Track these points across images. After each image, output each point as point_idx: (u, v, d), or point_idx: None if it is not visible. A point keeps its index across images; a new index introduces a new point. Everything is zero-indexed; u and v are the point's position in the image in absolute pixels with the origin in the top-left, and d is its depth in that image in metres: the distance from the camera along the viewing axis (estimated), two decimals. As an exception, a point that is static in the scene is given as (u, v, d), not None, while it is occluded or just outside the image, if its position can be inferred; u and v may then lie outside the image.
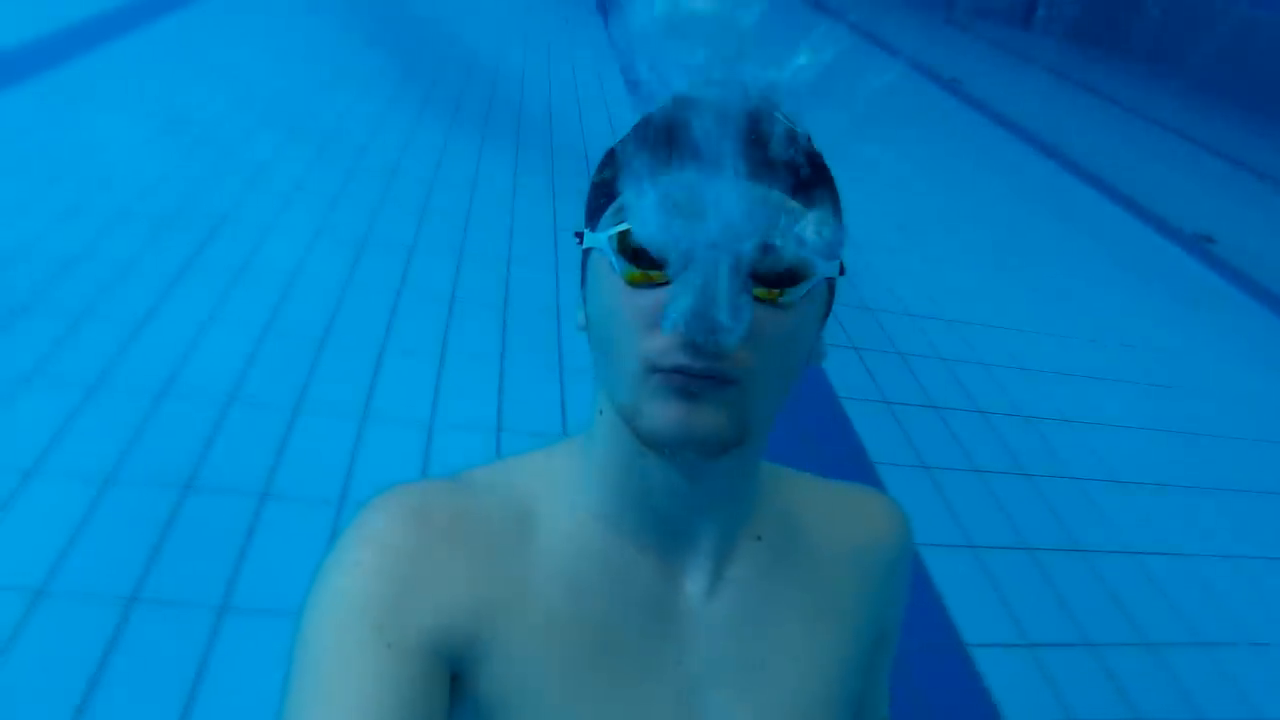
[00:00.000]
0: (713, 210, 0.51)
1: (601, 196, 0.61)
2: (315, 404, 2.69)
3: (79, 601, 1.93)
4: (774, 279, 0.55)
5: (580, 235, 0.63)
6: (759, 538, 0.69)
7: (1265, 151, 10.67)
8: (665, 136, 0.54)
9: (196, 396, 2.61)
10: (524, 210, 4.39)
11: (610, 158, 0.61)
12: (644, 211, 0.54)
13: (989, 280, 4.89)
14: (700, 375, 0.53)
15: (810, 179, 0.57)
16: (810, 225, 0.56)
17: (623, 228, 0.56)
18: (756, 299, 0.54)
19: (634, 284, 0.56)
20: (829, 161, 0.61)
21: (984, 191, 6.51)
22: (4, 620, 1.85)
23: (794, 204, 0.55)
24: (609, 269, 0.58)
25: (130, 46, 5.55)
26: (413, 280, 3.53)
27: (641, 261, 0.56)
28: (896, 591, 0.78)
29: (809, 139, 0.59)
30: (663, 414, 0.54)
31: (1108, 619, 2.59)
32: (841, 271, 0.62)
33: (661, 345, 0.54)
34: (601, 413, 0.64)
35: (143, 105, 4.65)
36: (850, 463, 2.96)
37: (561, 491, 0.67)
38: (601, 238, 0.59)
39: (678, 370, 0.53)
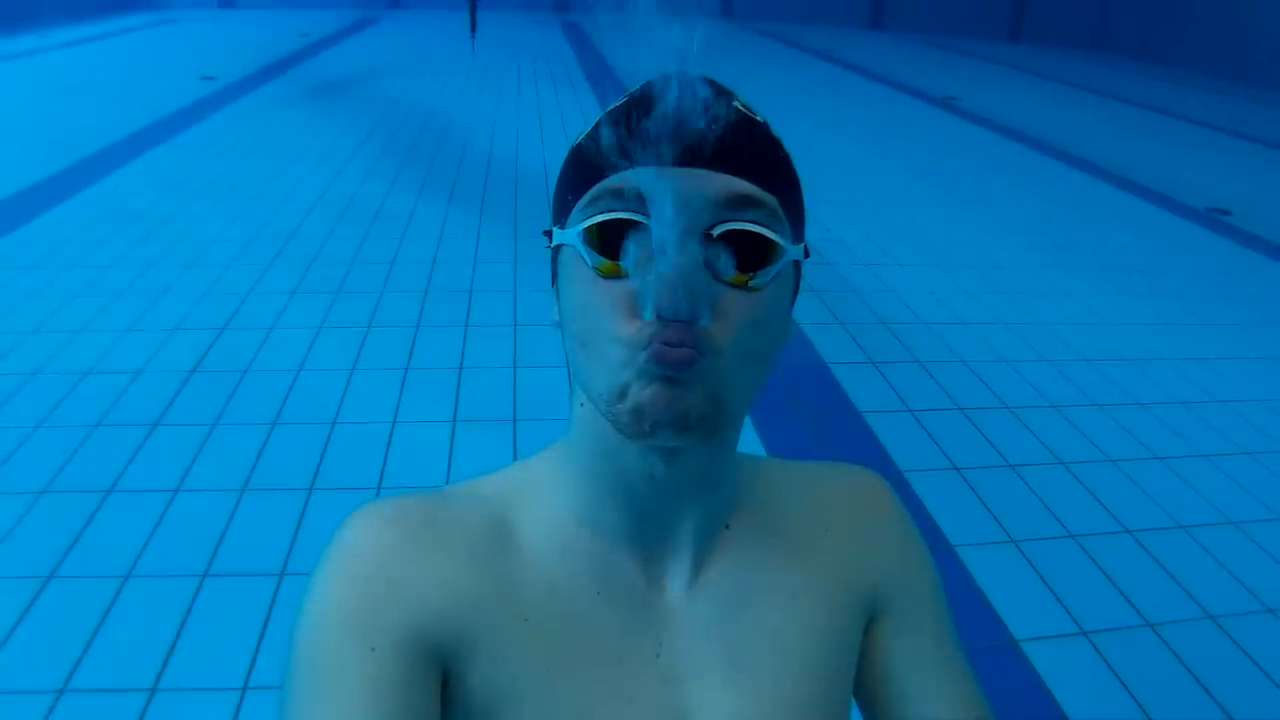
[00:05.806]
0: (677, 199, 0.52)
1: (568, 194, 0.62)
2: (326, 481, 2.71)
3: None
4: (742, 263, 0.56)
5: (549, 234, 0.64)
6: (727, 526, 0.70)
7: (1265, 121, 10.55)
8: (626, 130, 0.55)
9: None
10: (526, 277, 4.46)
11: (574, 155, 0.63)
12: (612, 204, 0.56)
13: (1006, 281, 4.83)
14: (678, 359, 0.53)
15: (771, 164, 0.59)
16: (774, 210, 0.58)
17: (590, 222, 0.57)
18: (726, 283, 0.56)
19: (606, 275, 0.57)
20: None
21: (988, 196, 6.47)
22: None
23: (755, 189, 0.57)
24: (580, 263, 0.58)
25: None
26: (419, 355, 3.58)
27: (611, 253, 0.56)
28: (887, 558, 0.75)
29: (768, 125, 0.61)
30: (647, 392, 0.55)
31: (1167, 597, 2.46)
32: (806, 254, 0.63)
33: (639, 327, 0.54)
34: (582, 404, 0.64)
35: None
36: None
37: (540, 495, 0.68)
38: (571, 233, 0.59)
39: (660, 354, 0.53)
